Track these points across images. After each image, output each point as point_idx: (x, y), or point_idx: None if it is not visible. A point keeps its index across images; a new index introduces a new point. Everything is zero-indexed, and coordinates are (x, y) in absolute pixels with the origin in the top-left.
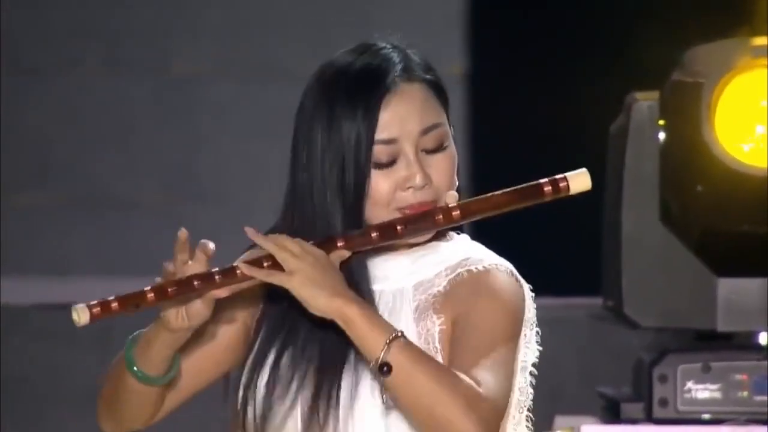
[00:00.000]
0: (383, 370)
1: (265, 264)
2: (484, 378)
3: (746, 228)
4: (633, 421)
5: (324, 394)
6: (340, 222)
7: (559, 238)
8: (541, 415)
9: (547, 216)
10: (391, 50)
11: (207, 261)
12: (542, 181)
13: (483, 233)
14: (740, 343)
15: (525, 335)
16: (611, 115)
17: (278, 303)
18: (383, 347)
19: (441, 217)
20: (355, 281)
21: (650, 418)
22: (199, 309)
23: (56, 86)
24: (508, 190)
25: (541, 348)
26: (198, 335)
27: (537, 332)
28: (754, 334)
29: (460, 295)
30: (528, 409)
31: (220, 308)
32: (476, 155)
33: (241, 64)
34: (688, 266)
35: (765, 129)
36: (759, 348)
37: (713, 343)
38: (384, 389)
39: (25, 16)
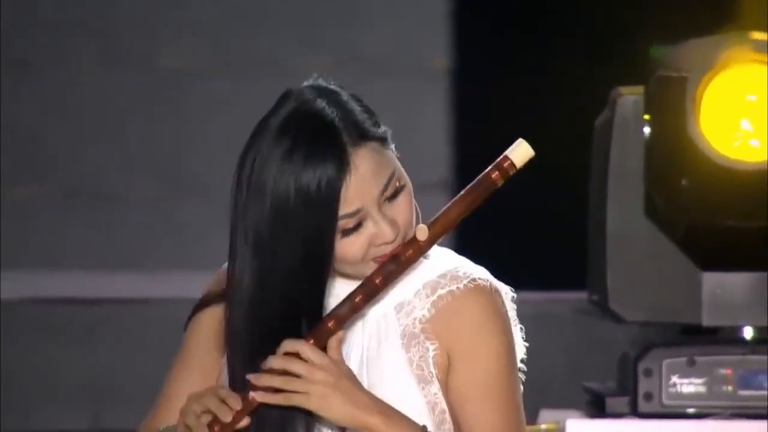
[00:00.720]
0: None
1: (278, 382)
2: (504, 428)
3: (731, 222)
4: (618, 416)
5: None
6: (309, 301)
7: (544, 233)
8: (527, 409)
9: (532, 211)
10: (330, 110)
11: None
12: (488, 170)
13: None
14: (725, 338)
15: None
16: (596, 109)
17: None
18: None
19: (411, 252)
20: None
21: (635, 413)
22: None
23: (48, 81)
24: (461, 194)
25: (527, 344)
26: (185, 369)
27: (521, 328)
28: (739, 329)
29: (450, 323)
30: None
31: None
32: (460, 149)
33: (233, 58)
34: (674, 260)
35: (750, 124)
36: (744, 342)
37: (698, 338)
38: None
39: (17, 10)
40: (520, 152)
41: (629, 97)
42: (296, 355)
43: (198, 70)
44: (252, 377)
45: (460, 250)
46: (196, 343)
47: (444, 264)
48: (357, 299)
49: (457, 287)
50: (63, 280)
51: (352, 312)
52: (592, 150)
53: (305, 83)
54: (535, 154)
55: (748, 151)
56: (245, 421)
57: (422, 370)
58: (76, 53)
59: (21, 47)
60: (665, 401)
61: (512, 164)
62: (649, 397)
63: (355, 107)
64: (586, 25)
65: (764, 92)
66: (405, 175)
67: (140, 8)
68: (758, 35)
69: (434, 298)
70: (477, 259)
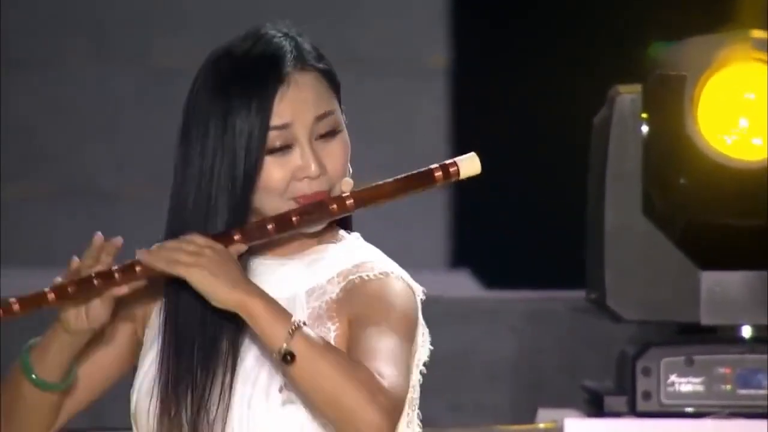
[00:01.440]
0: (286, 359)
1: (165, 253)
2: (386, 371)
3: (730, 221)
4: (616, 415)
5: (215, 395)
6: (228, 213)
7: (542, 231)
8: (525, 408)
9: (529, 209)
10: (282, 38)
11: (113, 259)
12: (433, 166)
13: (467, 229)
14: (724, 337)
15: (419, 336)
16: (594, 107)
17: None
18: (286, 337)
19: (335, 206)
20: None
21: (634, 412)
22: (98, 310)
23: (42, 78)
24: (400, 177)
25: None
26: (94, 340)
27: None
28: (737, 328)
29: (353, 300)
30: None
31: (116, 311)
32: (458, 147)
33: None
34: (672, 259)
35: (748, 122)
36: (742, 341)
37: (697, 337)
38: (286, 381)
39: (11, 8)
40: (469, 165)
41: (627, 95)
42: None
43: (193, 67)
44: (141, 251)
45: (459, 250)
46: None
47: (364, 257)
48: (269, 225)
49: (367, 275)
50: (55, 277)
51: (260, 234)
52: (591, 148)
53: None
54: (533, 151)
55: (746, 149)
56: (124, 289)
57: None
58: (71, 51)
59: (16, 45)
60: (664, 400)
61: (457, 171)
62: (647, 396)
63: (308, 44)
64: (585, 23)
65: (763, 90)
66: (344, 126)
67: (135, 6)
68: (757, 33)
69: (344, 283)
70: (475, 257)
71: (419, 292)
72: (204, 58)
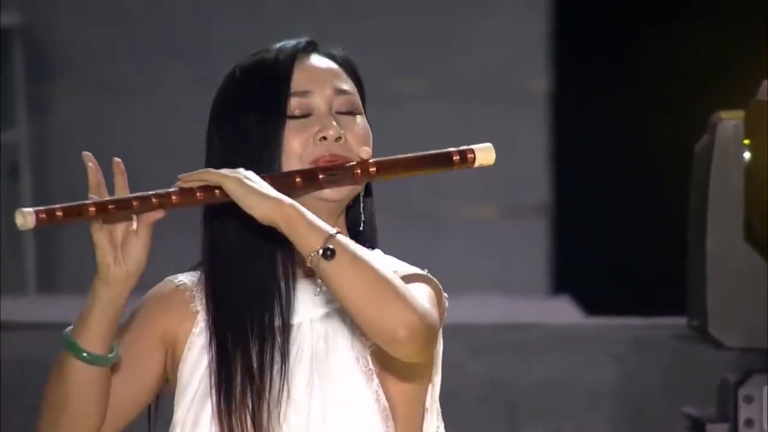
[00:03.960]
0: (326, 254)
1: (199, 194)
2: (422, 302)
3: None
4: None
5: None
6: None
7: (644, 258)
8: None
9: (632, 236)
10: (307, 38)
11: (124, 179)
12: (451, 149)
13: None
14: None
15: (439, 347)
16: (696, 133)
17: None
18: (326, 236)
19: (359, 171)
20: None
21: None
22: (135, 248)
23: (143, 104)
24: (418, 154)
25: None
26: (122, 368)
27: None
28: None
29: None
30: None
31: (146, 342)
32: (559, 172)
33: None
34: None
35: None
36: None
37: None
38: (323, 280)
39: (110, 36)
40: (485, 154)
41: (729, 121)
42: None
43: None
44: (179, 177)
45: (559, 276)
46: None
47: (391, 266)
48: (297, 179)
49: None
50: None
51: (287, 184)
52: (692, 175)
53: None
54: (634, 177)
55: None
56: (159, 214)
57: (366, 366)
58: (172, 77)
59: (116, 73)
60: (766, 427)
61: (474, 159)
62: (750, 423)
63: (341, 50)
64: (687, 49)
65: None
66: (365, 116)
67: (231, 33)
68: None
69: None
70: (576, 283)
71: (444, 296)
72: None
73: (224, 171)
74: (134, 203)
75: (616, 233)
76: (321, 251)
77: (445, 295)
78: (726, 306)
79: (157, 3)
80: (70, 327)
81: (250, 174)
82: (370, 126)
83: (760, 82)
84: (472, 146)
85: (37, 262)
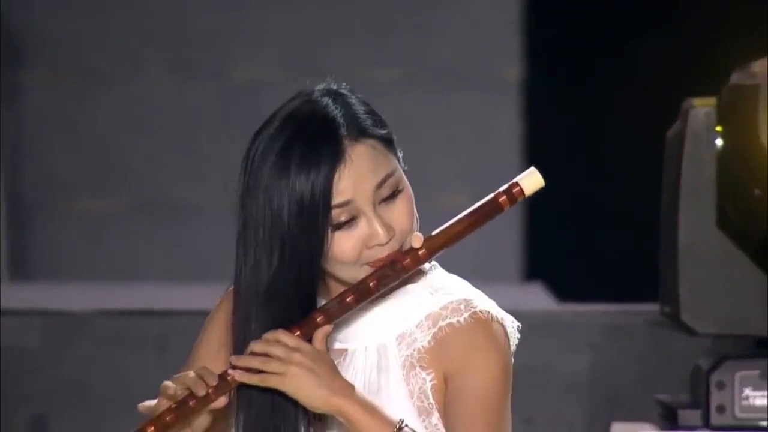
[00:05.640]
0: None
1: (257, 362)
2: None
3: None
4: (690, 428)
5: None
6: (299, 298)
7: (616, 245)
8: (598, 422)
9: (603, 222)
10: (333, 107)
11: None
12: (498, 191)
13: (540, 243)
14: None
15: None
16: (667, 120)
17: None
18: (393, 430)
19: (409, 261)
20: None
21: (708, 425)
22: (200, 422)
23: (122, 93)
24: (466, 213)
25: (599, 355)
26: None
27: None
28: None
29: (447, 352)
30: None
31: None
32: (530, 161)
33: (303, 67)
34: (746, 272)
35: None
36: None
37: None
38: None
39: (91, 24)
40: (531, 181)
41: (701, 108)
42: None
43: (270, 80)
44: (233, 358)
45: (532, 263)
46: (204, 346)
47: (448, 297)
48: (348, 298)
49: (458, 320)
50: (133, 292)
51: (342, 310)
52: (664, 162)
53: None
54: (606, 164)
55: None
56: (222, 401)
57: (422, 401)
58: (150, 66)
59: (96, 61)
60: (738, 414)
61: (521, 191)
62: (721, 409)
63: (359, 107)
64: (658, 37)
65: None
66: (406, 181)
67: (213, 21)
68: None
69: (435, 330)
70: (549, 271)
71: (509, 323)
72: (282, 71)
73: (275, 365)
74: (191, 403)
75: (588, 220)
76: None
77: (512, 320)
78: (698, 293)
79: None
80: None
81: (306, 357)
82: None
83: (732, 69)
84: (516, 179)
85: (9, 250)
